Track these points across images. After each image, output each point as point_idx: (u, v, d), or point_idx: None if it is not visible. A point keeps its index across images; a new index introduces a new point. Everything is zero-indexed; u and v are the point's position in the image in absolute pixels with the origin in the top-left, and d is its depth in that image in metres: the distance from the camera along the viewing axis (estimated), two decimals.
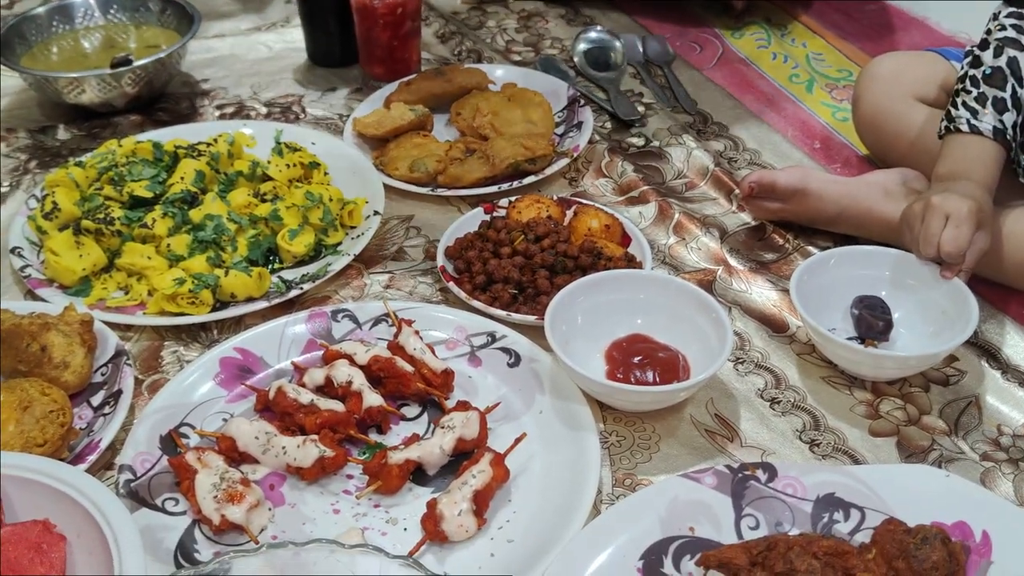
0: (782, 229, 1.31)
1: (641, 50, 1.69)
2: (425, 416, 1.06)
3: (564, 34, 1.77)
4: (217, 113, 1.57)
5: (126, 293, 1.20)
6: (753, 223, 1.33)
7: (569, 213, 1.28)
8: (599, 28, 1.71)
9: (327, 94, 1.61)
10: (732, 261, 1.27)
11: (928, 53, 1.39)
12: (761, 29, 1.76)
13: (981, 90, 1.15)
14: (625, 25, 1.78)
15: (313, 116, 1.56)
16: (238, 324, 1.17)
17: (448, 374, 1.06)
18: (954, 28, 1.70)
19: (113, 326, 1.13)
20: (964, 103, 1.16)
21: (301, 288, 1.19)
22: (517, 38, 1.77)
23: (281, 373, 1.09)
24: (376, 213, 1.29)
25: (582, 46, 1.68)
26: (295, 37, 1.73)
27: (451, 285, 1.17)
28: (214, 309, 1.17)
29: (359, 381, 1.03)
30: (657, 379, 1.06)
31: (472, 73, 1.53)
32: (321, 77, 1.66)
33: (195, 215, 1.24)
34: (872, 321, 1.11)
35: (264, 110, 1.58)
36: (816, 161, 1.44)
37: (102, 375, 1.08)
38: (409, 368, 1.05)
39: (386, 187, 1.34)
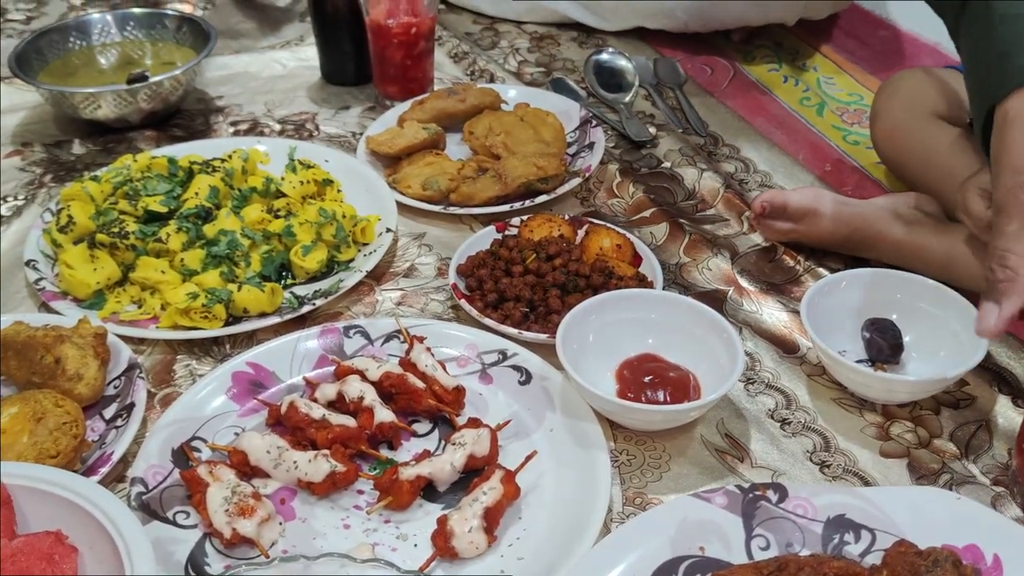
0: (793, 250, 1.31)
1: (653, 72, 1.70)
2: (436, 433, 1.06)
3: (576, 55, 1.78)
4: (231, 129, 1.59)
5: (139, 307, 1.21)
6: (764, 244, 1.33)
7: (581, 232, 1.29)
8: (611, 50, 1.72)
9: (341, 112, 1.63)
10: (743, 282, 1.27)
11: (948, 70, 1.38)
12: (772, 54, 1.77)
13: None
14: (637, 47, 1.79)
15: (327, 134, 1.57)
16: (250, 339, 1.18)
17: (459, 391, 1.07)
18: None
19: (126, 339, 1.14)
20: None
21: (313, 304, 1.20)
22: (529, 59, 1.78)
23: (293, 388, 1.10)
24: (388, 230, 1.30)
25: (594, 67, 1.69)
26: (309, 55, 1.74)
27: (463, 303, 1.18)
28: (227, 324, 1.17)
29: (371, 397, 1.04)
30: (668, 398, 1.06)
31: (485, 93, 1.54)
32: (335, 95, 1.67)
33: (209, 230, 1.25)
34: (882, 344, 1.11)
35: (278, 127, 1.59)
36: (827, 184, 1.44)
37: (115, 388, 1.08)
38: (421, 385, 1.05)
39: (399, 205, 1.35)
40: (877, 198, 1.30)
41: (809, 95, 1.66)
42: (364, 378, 1.06)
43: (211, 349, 1.17)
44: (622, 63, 1.69)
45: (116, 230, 1.23)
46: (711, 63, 1.75)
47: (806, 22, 1.81)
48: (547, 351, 1.09)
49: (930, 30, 1.80)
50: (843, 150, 1.52)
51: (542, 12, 1.86)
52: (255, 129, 1.59)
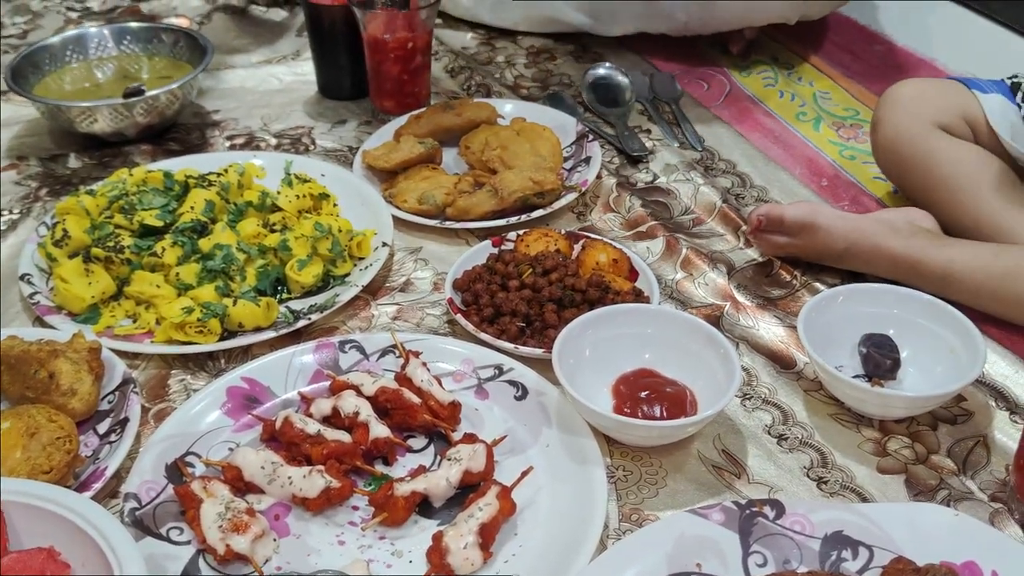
0: (789, 265, 1.31)
1: (649, 87, 1.70)
2: (432, 448, 1.05)
3: (572, 70, 1.78)
4: (227, 144, 1.58)
5: (134, 321, 1.20)
6: (760, 259, 1.33)
7: (577, 247, 1.28)
8: (607, 65, 1.72)
9: (337, 126, 1.63)
10: (739, 297, 1.27)
11: (951, 81, 1.38)
12: (768, 68, 1.78)
13: None
14: (633, 62, 1.79)
15: (323, 148, 1.57)
16: (245, 354, 1.17)
17: (455, 406, 1.06)
18: (961, 69, 1.71)
19: (121, 354, 1.13)
20: None
21: (309, 318, 1.19)
22: (526, 73, 1.78)
23: (288, 403, 1.09)
24: (384, 245, 1.30)
25: (590, 82, 1.69)
26: (306, 70, 1.74)
27: (459, 317, 1.18)
28: (222, 338, 1.17)
29: (366, 412, 1.03)
30: (664, 414, 1.05)
31: (481, 107, 1.54)
32: (331, 109, 1.67)
33: (204, 244, 1.25)
34: (879, 359, 1.11)
35: (274, 141, 1.59)
36: (824, 199, 1.44)
37: (109, 403, 1.08)
38: (416, 400, 1.05)
39: (395, 219, 1.35)
40: (874, 213, 1.30)
41: (805, 109, 1.66)
42: (359, 393, 1.06)
43: (206, 364, 1.17)
44: (618, 78, 1.69)
45: (111, 244, 1.23)
46: (707, 78, 1.75)
47: (803, 32, 1.81)
48: (543, 366, 1.09)
49: (925, 44, 1.81)
50: (840, 165, 1.52)
51: (541, 20, 1.85)
52: (251, 143, 1.58)
